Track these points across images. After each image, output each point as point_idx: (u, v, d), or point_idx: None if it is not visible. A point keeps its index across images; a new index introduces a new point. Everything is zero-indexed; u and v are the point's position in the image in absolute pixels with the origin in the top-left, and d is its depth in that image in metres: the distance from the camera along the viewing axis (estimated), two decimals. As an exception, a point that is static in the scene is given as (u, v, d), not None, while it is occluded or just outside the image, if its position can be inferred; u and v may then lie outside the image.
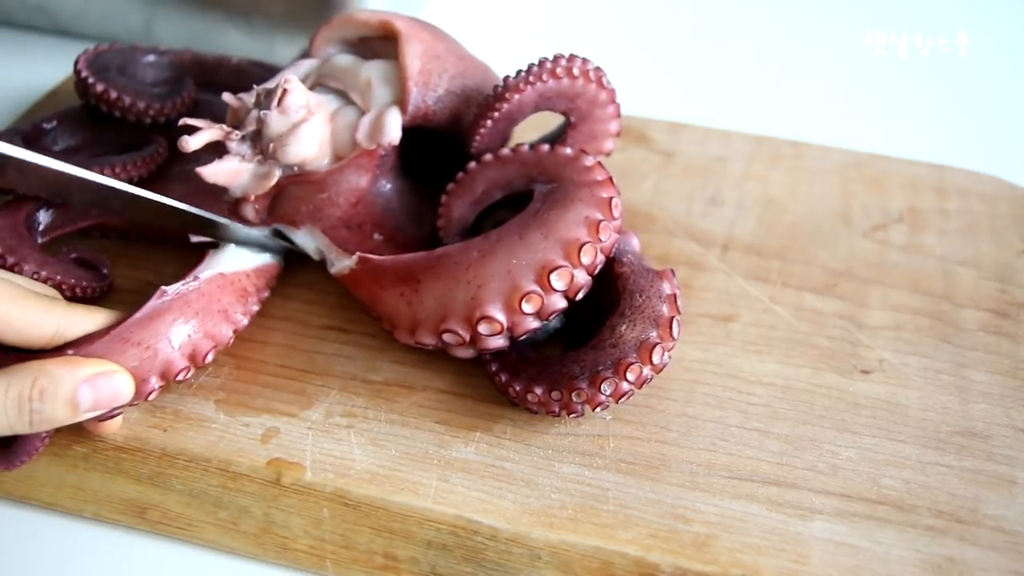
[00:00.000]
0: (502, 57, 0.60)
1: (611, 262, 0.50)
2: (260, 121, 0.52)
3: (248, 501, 0.48)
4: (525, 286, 0.47)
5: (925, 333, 0.56)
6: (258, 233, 0.55)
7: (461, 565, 0.47)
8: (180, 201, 0.51)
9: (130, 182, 0.56)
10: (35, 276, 0.52)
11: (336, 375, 0.52)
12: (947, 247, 0.62)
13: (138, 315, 0.47)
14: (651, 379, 0.47)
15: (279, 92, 0.52)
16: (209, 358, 0.49)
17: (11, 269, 0.51)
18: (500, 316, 0.47)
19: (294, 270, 0.58)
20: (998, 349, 0.55)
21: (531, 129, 0.61)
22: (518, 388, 0.48)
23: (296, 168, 0.54)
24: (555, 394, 0.47)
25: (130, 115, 0.60)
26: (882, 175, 0.69)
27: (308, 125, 0.52)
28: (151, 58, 0.66)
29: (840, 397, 0.52)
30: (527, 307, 0.47)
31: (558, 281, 0.47)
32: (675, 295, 0.49)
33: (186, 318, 0.48)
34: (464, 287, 0.47)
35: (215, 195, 0.55)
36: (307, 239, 0.55)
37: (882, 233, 0.63)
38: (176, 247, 0.56)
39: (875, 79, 0.90)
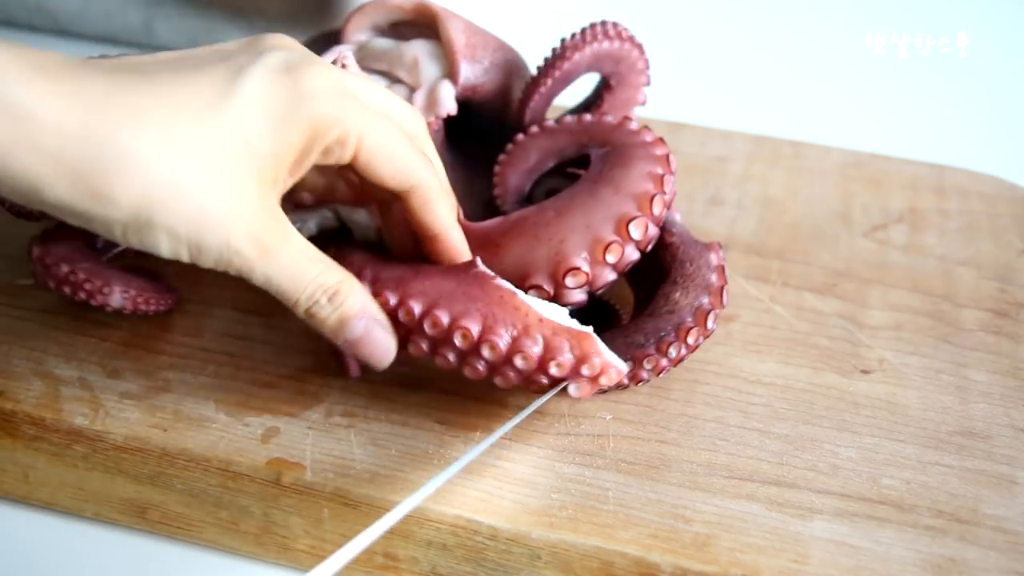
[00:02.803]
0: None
1: (660, 232, 0.52)
2: None
3: (248, 501, 0.48)
4: (607, 236, 0.49)
5: (925, 333, 0.56)
6: None
7: (461, 565, 0.47)
8: None
9: None
10: (104, 291, 0.52)
11: (337, 375, 0.52)
12: (947, 247, 0.62)
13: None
14: (699, 346, 0.50)
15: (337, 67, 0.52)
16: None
17: (81, 285, 0.52)
18: (585, 267, 0.49)
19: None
20: (998, 349, 0.55)
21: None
22: None
23: None
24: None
25: None
26: (882, 175, 0.69)
27: None
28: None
29: (840, 397, 0.52)
30: (610, 257, 0.49)
31: (636, 231, 0.49)
32: (722, 266, 0.52)
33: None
34: (546, 244, 0.49)
35: None
36: (367, 217, 0.55)
37: (882, 233, 0.63)
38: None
39: (875, 79, 0.90)
